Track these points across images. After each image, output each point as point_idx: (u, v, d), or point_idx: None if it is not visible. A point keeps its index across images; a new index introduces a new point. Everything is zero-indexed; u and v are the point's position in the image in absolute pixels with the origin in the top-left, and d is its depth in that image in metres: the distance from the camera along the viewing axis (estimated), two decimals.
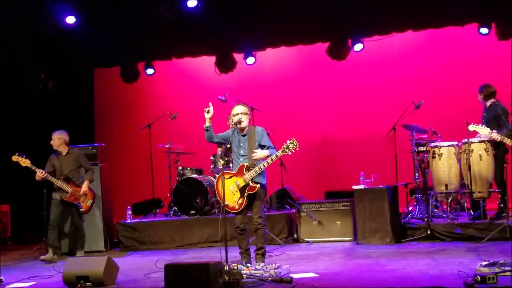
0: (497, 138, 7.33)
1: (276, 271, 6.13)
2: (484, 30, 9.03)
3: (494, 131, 7.48)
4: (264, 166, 6.50)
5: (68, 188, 8.44)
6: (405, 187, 9.03)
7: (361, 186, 8.38)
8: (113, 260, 6.61)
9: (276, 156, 6.45)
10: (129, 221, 9.47)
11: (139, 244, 9.22)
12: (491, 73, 9.26)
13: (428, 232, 8.04)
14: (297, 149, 6.34)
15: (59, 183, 8.40)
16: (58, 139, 8.56)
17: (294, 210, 9.02)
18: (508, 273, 5.39)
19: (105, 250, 9.14)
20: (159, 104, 11.10)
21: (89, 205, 8.65)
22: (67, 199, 8.45)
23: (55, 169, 8.50)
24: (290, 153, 6.40)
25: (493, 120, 8.05)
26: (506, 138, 7.31)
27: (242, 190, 6.57)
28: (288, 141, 6.35)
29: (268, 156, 6.51)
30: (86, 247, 8.80)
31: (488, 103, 8.29)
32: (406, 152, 8.87)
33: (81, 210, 8.56)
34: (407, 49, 10.28)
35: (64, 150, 8.58)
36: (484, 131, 7.38)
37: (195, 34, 9.72)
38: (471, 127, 7.37)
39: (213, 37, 9.77)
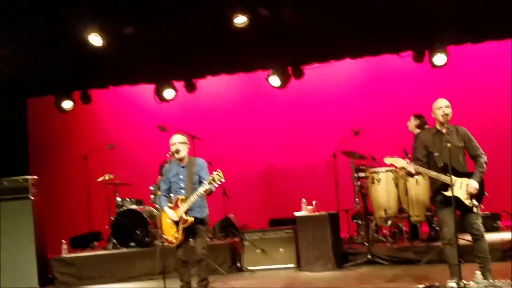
0: (412, 171, 6.23)
1: None
2: (418, 58, 9.26)
3: (410, 162, 6.34)
4: (194, 199, 6.36)
5: None
6: (346, 213, 9.10)
7: (303, 213, 8.39)
8: None
9: (203, 189, 6.27)
10: (64, 255, 9.13)
11: (76, 279, 8.89)
12: (425, 100, 9.46)
13: (369, 256, 8.10)
14: (223, 180, 6.19)
15: None
16: None
17: (237, 239, 8.92)
18: None
19: (38, 287, 8.72)
20: (97, 134, 10.86)
21: None
22: None
23: None
24: (216, 185, 6.26)
25: None
26: (424, 170, 6.19)
27: (177, 223, 6.43)
28: (214, 173, 6.21)
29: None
30: (16, 283, 8.29)
31: (419, 131, 8.50)
32: (347, 178, 8.97)
33: None
34: (345, 77, 10.47)
35: None
36: (400, 163, 6.39)
37: (132, 61, 9.52)
38: (387, 160, 6.50)
39: (152, 65, 9.63)
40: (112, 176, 9.56)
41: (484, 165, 5.96)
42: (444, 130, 5.97)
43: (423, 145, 6.13)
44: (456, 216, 5.86)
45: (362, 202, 8.74)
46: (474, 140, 6.04)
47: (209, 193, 6.35)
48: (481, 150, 6.01)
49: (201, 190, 6.27)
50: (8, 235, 8.77)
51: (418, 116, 8.55)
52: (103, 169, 9.72)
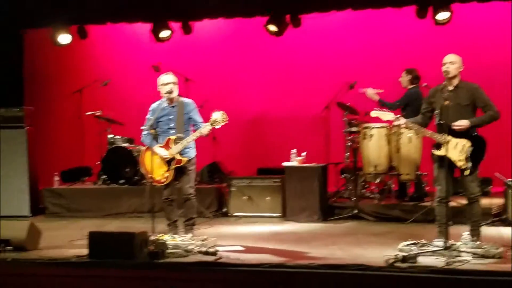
0: (402, 125, 6.16)
1: (202, 243, 6.12)
2: (421, 14, 9.08)
3: (401, 117, 6.20)
4: (192, 139, 6.37)
5: None
6: (335, 166, 9.12)
7: (292, 163, 8.42)
8: (36, 225, 6.45)
9: (205, 129, 6.26)
10: (56, 187, 9.25)
11: (65, 211, 9.07)
12: (423, 56, 9.36)
13: (355, 211, 8.16)
14: (227, 122, 6.20)
15: None
16: None
17: (224, 184, 8.99)
18: (428, 254, 5.55)
19: (30, 215, 8.85)
20: (94, 70, 10.77)
21: None
22: None
23: None
24: (218, 127, 6.22)
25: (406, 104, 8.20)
26: (414, 126, 6.10)
27: (168, 163, 6.45)
28: (218, 114, 6.15)
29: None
30: (9, 211, 8.45)
31: (411, 86, 8.43)
32: (339, 131, 8.95)
33: None
34: (345, 28, 10.23)
35: None
36: (387, 117, 6.27)
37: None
38: (374, 113, 6.33)
39: (150, 4, 9.46)
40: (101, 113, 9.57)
41: (488, 118, 5.83)
42: (449, 87, 5.89)
43: (428, 101, 6.06)
44: (449, 176, 5.85)
45: (352, 156, 8.73)
46: (485, 97, 5.88)
47: (206, 134, 6.34)
48: (492, 106, 5.84)
49: (204, 131, 6.23)
50: (2, 163, 8.84)
51: (409, 71, 8.43)
52: (97, 105, 9.71)
